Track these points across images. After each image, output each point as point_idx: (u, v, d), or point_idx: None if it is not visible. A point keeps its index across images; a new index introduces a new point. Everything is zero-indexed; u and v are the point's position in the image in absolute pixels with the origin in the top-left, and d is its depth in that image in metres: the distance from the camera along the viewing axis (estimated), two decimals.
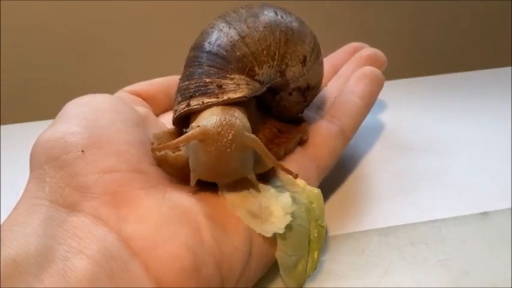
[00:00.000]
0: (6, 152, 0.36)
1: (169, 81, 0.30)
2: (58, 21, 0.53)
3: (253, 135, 0.22)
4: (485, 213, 0.28)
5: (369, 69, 0.31)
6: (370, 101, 0.30)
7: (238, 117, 0.22)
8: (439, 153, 0.33)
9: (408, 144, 0.35)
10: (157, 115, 0.28)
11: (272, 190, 0.23)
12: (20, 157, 0.35)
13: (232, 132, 0.21)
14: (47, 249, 0.17)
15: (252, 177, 0.22)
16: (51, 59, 0.55)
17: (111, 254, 0.18)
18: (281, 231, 0.21)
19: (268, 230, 0.21)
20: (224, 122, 0.21)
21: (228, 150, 0.21)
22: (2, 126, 0.39)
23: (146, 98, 0.29)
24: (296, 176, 0.23)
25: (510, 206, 0.28)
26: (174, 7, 0.56)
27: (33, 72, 0.55)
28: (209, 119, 0.21)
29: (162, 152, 0.22)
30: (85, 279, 0.17)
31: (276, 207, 0.22)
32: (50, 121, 0.23)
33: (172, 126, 0.26)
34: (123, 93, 0.28)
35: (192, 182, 0.22)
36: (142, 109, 0.27)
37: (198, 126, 0.21)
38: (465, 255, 0.25)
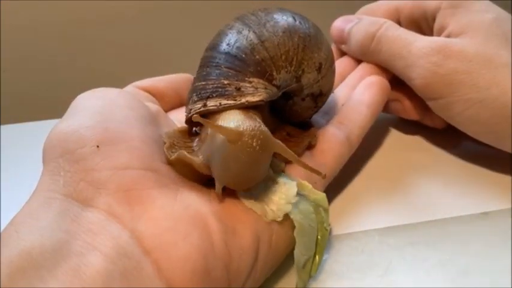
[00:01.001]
0: (6, 152, 0.36)
1: (179, 79, 0.30)
2: (58, 21, 0.53)
3: (278, 140, 0.22)
4: (485, 213, 0.28)
5: (376, 78, 0.32)
6: (376, 110, 0.30)
7: (262, 124, 0.22)
8: (439, 153, 0.33)
9: (409, 144, 0.35)
10: (165, 112, 0.28)
11: (281, 179, 0.23)
12: (20, 157, 0.35)
13: (263, 139, 0.21)
14: (62, 244, 0.17)
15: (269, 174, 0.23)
16: (52, 59, 0.55)
17: (124, 251, 0.18)
18: (279, 219, 0.22)
19: (268, 216, 0.22)
20: (256, 128, 0.21)
21: (259, 157, 0.21)
22: (2, 126, 0.39)
23: (155, 94, 0.29)
24: (324, 176, 0.23)
25: (510, 206, 0.28)
26: (174, 7, 0.56)
27: (33, 72, 0.55)
28: (241, 124, 0.21)
29: (177, 154, 0.22)
30: (99, 276, 0.17)
31: (279, 195, 0.22)
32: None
33: (181, 124, 0.26)
34: (132, 88, 0.28)
35: (218, 190, 0.21)
36: (153, 106, 0.27)
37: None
38: (465, 255, 0.25)
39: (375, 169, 0.32)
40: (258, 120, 0.22)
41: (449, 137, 0.34)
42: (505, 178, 0.30)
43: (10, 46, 0.52)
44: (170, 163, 0.22)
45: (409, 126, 0.36)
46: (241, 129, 0.21)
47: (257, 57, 0.24)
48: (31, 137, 0.37)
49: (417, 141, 0.35)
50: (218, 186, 0.21)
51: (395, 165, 0.32)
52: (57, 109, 0.24)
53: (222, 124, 0.22)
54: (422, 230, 0.27)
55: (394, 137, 0.35)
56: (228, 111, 0.23)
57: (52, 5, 0.52)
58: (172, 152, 0.22)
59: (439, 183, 0.30)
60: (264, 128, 0.22)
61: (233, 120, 0.22)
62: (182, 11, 0.56)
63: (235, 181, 0.21)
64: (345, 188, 0.30)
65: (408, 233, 0.26)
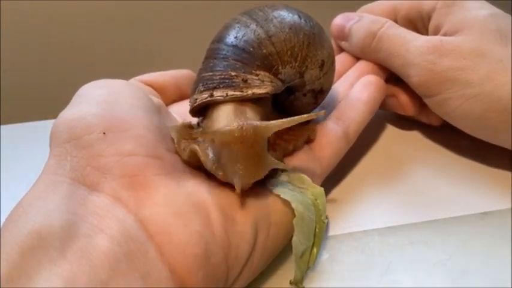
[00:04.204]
0: (6, 152, 0.36)
1: (180, 74, 0.31)
2: (58, 22, 0.53)
3: (270, 122, 0.22)
4: (485, 213, 0.28)
5: (373, 77, 0.32)
6: (373, 108, 0.31)
7: (251, 117, 0.23)
8: (438, 153, 0.33)
9: (409, 144, 0.35)
10: (166, 106, 0.29)
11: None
12: (20, 157, 0.35)
13: (252, 132, 0.22)
14: (70, 225, 0.18)
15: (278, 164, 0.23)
16: (51, 59, 0.55)
17: (129, 235, 0.18)
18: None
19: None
20: (244, 124, 0.22)
21: (257, 151, 0.22)
22: (2, 126, 0.39)
23: (157, 88, 0.29)
24: (324, 113, 0.24)
25: (510, 206, 0.28)
26: (173, 7, 0.56)
27: (33, 73, 0.55)
28: (226, 125, 0.22)
29: (188, 151, 0.23)
30: (105, 257, 0.17)
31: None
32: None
33: (181, 117, 0.27)
34: (134, 82, 0.29)
35: (238, 188, 0.22)
36: (155, 99, 0.27)
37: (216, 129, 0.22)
38: (465, 255, 0.25)
39: (375, 169, 0.32)
40: (248, 116, 0.23)
41: (448, 136, 0.34)
42: (505, 178, 0.30)
43: (10, 46, 0.52)
44: (188, 159, 0.23)
45: (409, 126, 0.36)
46: (228, 134, 0.22)
47: (264, 51, 0.25)
48: (31, 137, 0.37)
49: (417, 141, 0.35)
50: (237, 186, 0.22)
51: (395, 164, 0.32)
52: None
53: (213, 123, 0.23)
54: (422, 230, 0.27)
55: (394, 137, 0.35)
56: (220, 111, 0.24)
57: (52, 5, 0.52)
58: (183, 150, 0.23)
59: (438, 183, 0.30)
60: (252, 123, 0.22)
61: (223, 119, 0.23)
62: (181, 12, 0.56)
63: (247, 177, 0.22)
64: (344, 187, 0.30)
65: (408, 233, 0.26)
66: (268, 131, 0.22)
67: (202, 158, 0.22)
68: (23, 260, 0.16)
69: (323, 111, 0.24)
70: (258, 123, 0.22)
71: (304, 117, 0.23)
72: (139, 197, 0.20)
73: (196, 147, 0.22)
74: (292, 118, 0.23)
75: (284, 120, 0.23)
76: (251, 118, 0.23)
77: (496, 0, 0.32)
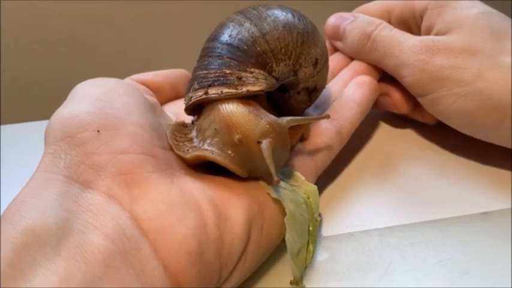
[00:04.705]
0: (6, 152, 0.36)
1: (175, 74, 0.31)
2: (59, 21, 0.53)
3: (285, 121, 0.23)
4: (485, 213, 0.28)
5: (366, 77, 0.33)
6: (366, 107, 0.32)
7: (268, 116, 0.23)
8: (439, 153, 0.33)
9: (410, 144, 0.35)
10: (160, 105, 0.29)
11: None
12: (20, 157, 0.35)
13: (283, 126, 0.23)
14: (64, 222, 0.18)
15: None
16: (51, 60, 0.55)
17: (124, 232, 0.18)
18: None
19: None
20: (266, 127, 0.23)
21: (280, 149, 0.23)
22: (2, 126, 0.39)
23: (152, 87, 0.29)
24: (328, 117, 0.25)
25: (510, 206, 0.28)
26: (173, 7, 0.56)
27: (33, 72, 0.55)
28: (251, 125, 0.23)
29: (195, 155, 0.23)
30: (99, 254, 0.17)
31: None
32: None
33: (176, 116, 0.27)
34: (130, 81, 0.29)
35: (275, 175, 0.22)
36: (150, 97, 0.27)
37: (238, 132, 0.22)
38: (465, 255, 0.25)
39: (375, 169, 0.32)
40: (260, 111, 0.24)
41: (448, 136, 0.34)
42: (505, 178, 0.30)
43: (10, 46, 0.52)
44: (191, 161, 0.23)
45: (408, 125, 0.36)
46: (252, 134, 0.22)
47: (258, 49, 0.25)
48: (31, 137, 0.37)
49: (417, 140, 0.35)
50: (274, 174, 0.22)
51: (395, 164, 0.32)
52: (57, 109, 0.25)
53: (223, 113, 0.23)
54: (422, 230, 0.27)
55: (394, 137, 0.35)
56: (234, 105, 0.24)
57: (52, 6, 0.52)
58: (182, 151, 0.23)
59: (439, 183, 0.30)
60: (275, 124, 0.23)
61: (248, 124, 0.23)
62: (181, 12, 0.56)
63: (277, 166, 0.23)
64: (344, 187, 0.30)
65: (408, 233, 0.26)
66: (289, 124, 0.23)
67: (226, 163, 0.22)
68: (17, 257, 0.16)
69: (327, 114, 0.25)
70: (285, 119, 0.23)
71: (315, 118, 0.26)
72: (134, 195, 0.20)
73: (208, 154, 0.22)
74: (305, 117, 0.24)
75: (300, 117, 0.24)
76: (264, 112, 0.24)
77: (496, 0, 0.32)
